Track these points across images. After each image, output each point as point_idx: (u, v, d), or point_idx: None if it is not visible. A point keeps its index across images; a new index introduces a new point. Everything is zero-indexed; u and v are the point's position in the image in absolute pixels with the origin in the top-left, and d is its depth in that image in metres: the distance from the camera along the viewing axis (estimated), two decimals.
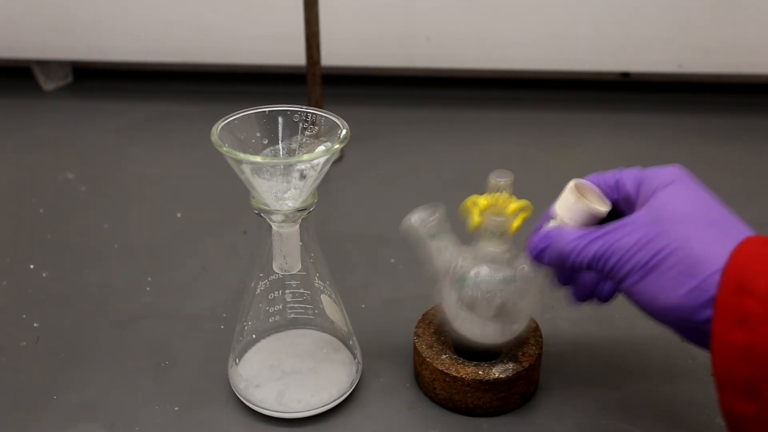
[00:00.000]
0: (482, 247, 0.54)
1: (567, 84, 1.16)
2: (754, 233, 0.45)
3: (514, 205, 0.52)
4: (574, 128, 1.04)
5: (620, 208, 0.51)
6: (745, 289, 0.40)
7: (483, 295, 0.54)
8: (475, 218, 0.53)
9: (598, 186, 0.52)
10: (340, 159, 0.94)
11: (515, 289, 0.54)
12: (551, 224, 0.52)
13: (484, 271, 0.54)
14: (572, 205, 0.50)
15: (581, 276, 0.53)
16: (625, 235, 0.45)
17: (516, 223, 0.53)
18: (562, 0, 1.03)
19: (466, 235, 0.55)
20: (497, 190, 0.52)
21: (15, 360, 0.62)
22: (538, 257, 0.51)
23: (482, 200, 0.53)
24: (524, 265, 0.54)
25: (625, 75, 1.17)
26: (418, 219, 0.54)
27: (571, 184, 0.51)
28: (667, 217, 0.45)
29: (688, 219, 0.44)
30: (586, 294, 0.53)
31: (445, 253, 0.55)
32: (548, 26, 1.05)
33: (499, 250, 0.54)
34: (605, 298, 0.53)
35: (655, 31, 1.04)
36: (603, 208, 0.51)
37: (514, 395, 0.56)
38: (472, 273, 0.54)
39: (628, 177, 0.50)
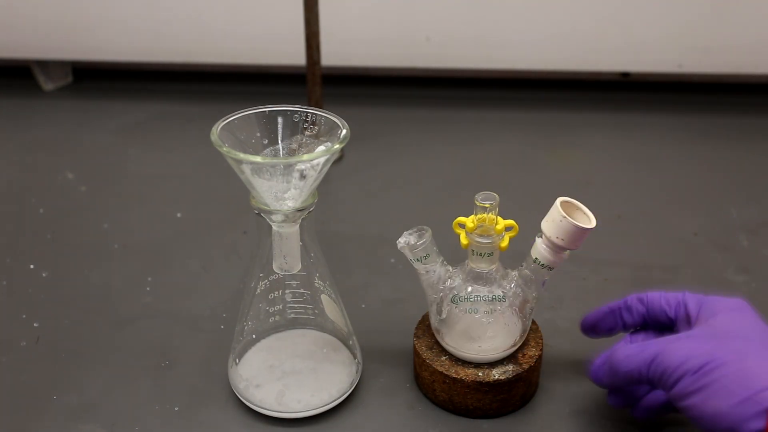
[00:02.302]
0: (471, 267, 0.55)
1: (567, 84, 1.16)
2: None
3: (501, 225, 0.53)
4: (574, 128, 1.04)
5: (678, 328, 0.53)
6: None
7: (474, 314, 0.55)
8: (463, 241, 0.54)
9: (661, 302, 0.53)
10: (340, 159, 0.94)
11: (505, 307, 0.55)
12: (537, 242, 0.53)
13: (474, 290, 0.55)
14: (558, 222, 0.51)
15: (635, 388, 0.54)
16: (680, 345, 0.47)
17: (503, 243, 0.54)
18: (562, 0, 1.03)
19: (458, 250, 0.56)
20: (483, 212, 0.53)
21: (15, 360, 0.62)
22: (598, 379, 0.53)
23: (469, 222, 0.53)
24: (513, 284, 0.55)
25: (625, 75, 1.17)
26: (405, 244, 0.54)
27: (558, 201, 0.51)
28: (725, 332, 0.47)
29: (745, 337, 0.47)
30: (633, 400, 0.54)
31: (433, 274, 0.55)
32: (548, 26, 1.05)
33: (488, 270, 0.55)
34: (655, 408, 0.53)
35: (655, 31, 1.04)
36: (589, 224, 0.51)
37: (514, 397, 0.56)
38: (462, 292, 0.55)
39: (691, 297, 0.52)
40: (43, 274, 0.73)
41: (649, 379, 0.48)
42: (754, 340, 0.46)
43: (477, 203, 0.52)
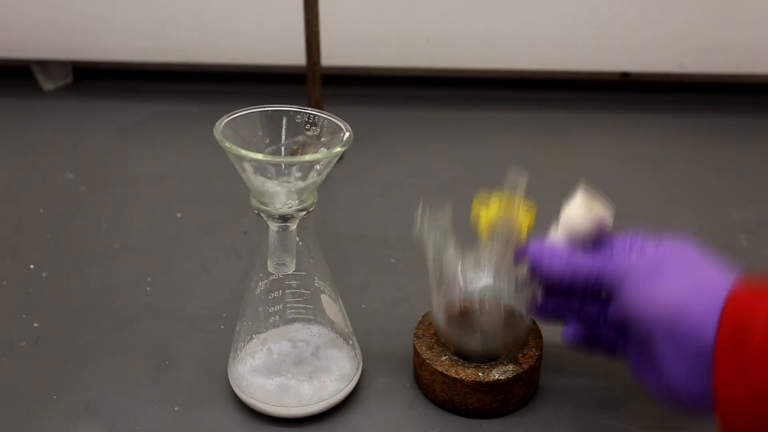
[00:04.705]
0: (487, 251, 0.54)
1: (567, 84, 1.16)
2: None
3: (526, 218, 0.53)
4: (574, 128, 1.04)
5: None
6: (745, 330, 0.40)
7: (484, 302, 0.54)
8: (483, 229, 0.53)
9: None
10: (340, 159, 0.94)
11: (513, 296, 0.54)
12: (555, 231, 0.53)
13: (484, 277, 0.54)
14: (582, 215, 0.51)
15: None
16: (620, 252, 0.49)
17: (524, 230, 0.53)
18: (562, 0, 1.03)
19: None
20: (512, 192, 0.52)
21: (15, 360, 0.62)
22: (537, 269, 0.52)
23: (492, 207, 0.53)
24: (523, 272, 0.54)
25: (625, 75, 1.17)
26: (426, 225, 0.53)
27: (581, 191, 0.52)
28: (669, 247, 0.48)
29: (688, 253, 0.48)
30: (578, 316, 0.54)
31: (445, 257, 0.54)
32: (548, 26, 1.05)
33: (503, 255, 0.54)
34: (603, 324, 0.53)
35: (655, 31, 1.04)
36: (609, 216, 0.52)
37: (514, 397, 0.56)
38: (479, 283, 0.54)
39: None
40: (43, 274, 0.73)
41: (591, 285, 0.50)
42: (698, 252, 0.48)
43: (509, 182, 0.52)
